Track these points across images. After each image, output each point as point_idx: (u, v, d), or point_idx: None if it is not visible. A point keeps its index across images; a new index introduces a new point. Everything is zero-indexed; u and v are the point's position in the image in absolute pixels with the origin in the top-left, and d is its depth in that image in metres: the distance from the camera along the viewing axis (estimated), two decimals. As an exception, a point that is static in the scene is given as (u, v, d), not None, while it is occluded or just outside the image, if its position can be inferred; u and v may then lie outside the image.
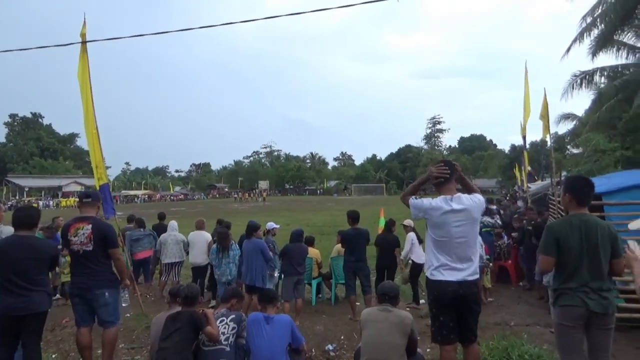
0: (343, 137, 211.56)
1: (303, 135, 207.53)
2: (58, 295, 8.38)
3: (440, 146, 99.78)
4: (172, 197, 76.64)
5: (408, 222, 8.24)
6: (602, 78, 21.35)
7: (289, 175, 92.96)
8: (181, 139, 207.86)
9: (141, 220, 10.01)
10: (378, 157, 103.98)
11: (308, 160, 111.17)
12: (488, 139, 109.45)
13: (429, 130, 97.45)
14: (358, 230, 7.52)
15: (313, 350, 6.06)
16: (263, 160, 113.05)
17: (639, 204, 6.00)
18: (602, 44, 19.52)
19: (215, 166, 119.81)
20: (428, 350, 5.43)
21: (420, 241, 8.00)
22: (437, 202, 3.79)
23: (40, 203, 52.71)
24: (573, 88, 21.02)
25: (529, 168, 19.60)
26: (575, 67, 23.30)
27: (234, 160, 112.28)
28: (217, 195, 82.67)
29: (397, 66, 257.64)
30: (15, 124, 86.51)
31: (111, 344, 4.69)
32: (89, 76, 7.39)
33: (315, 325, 7.05)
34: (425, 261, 4.06)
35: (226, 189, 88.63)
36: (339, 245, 8.24)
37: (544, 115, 10.52)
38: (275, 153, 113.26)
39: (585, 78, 20.92)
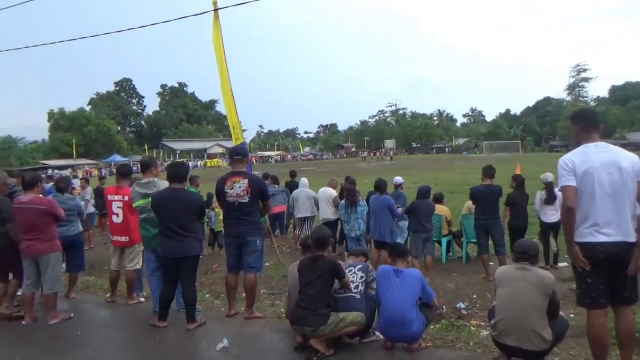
0: (473, 92, 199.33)
1: (429, 93, 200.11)
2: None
3: (586, 97, 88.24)
4: (302, 158, 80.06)
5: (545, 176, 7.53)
6: None
7: (416, 133, 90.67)
8: (309, 102, 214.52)
9: (276, 177, 10.69)
10: (512, 112, 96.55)
11: (435, 118, 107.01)
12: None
13: (572, 80, 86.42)
14: (490, 187, 7.13)
15: (444, 307, 6.01)
16: (389, 120, 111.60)
17: None
18: None
19: (342, 127, 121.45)
20: (572, 315, 5.05)
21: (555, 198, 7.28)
22: None
23: (190, 164, 58.94)
24: None
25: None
26: None
27: (360, 121, 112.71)
28: (345, 155, 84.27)
29: (533, 10, 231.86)
30: (166, 93, 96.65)
31: (253, 289, 5.14)
32: (222, 42, 7.87)
33: (446, 283, 6.96)
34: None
35: (353, 149, 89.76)
36: (470, 202, 7.92)
37: None
38: (401, 112, 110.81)
39: None
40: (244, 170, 5.14)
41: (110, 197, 5.69)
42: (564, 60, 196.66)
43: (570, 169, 3.40)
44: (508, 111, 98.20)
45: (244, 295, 5.31)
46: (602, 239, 3.30)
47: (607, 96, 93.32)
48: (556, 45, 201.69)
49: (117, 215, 5.62)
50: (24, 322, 5.19)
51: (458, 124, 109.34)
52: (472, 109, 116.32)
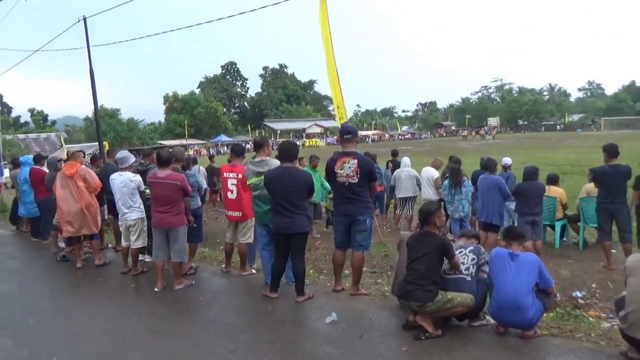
0: (590, 63, 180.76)
1: (539, 67, 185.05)
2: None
3: None
4: (399, 137, 78.78)
5: None
6: None
7: (523, 110, 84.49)
8: (407, 79, 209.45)
9: (373, 156, 10.66)
10: (638, 84, 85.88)
11: (545, 93, 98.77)
12: None
13: None
14: (616, 167, 6.48)
15: (558, 294, 5.66)
16: (493, 96, 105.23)
17: None
18: None
19: (442, 104, 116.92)
20: None
21: None
22: None
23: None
24: None
25: None
26: None
27: (461, 97, 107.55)
28: (444, 134, 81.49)
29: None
30: (267, 75, 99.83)
31: (359, 266, 5.22)
32: (328, 22, 7.94)
33: (559, 270, 6.54)
34: None
35: (453, 127, 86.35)
36: (590, 184, 7.30)
37: None
38: (507, 87, 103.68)
39: None
40: (354, 150, 5.10)
41: (225, 175, 6.05)
42: None
43: None
44: (633, 83, 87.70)
45: (346, 271, 5.41)
46: None
47: None
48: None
49: (232, 191, 5.97)
50: (156, 289, 5.71)
51: (572, 99, 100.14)
52: (589, 81, 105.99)
